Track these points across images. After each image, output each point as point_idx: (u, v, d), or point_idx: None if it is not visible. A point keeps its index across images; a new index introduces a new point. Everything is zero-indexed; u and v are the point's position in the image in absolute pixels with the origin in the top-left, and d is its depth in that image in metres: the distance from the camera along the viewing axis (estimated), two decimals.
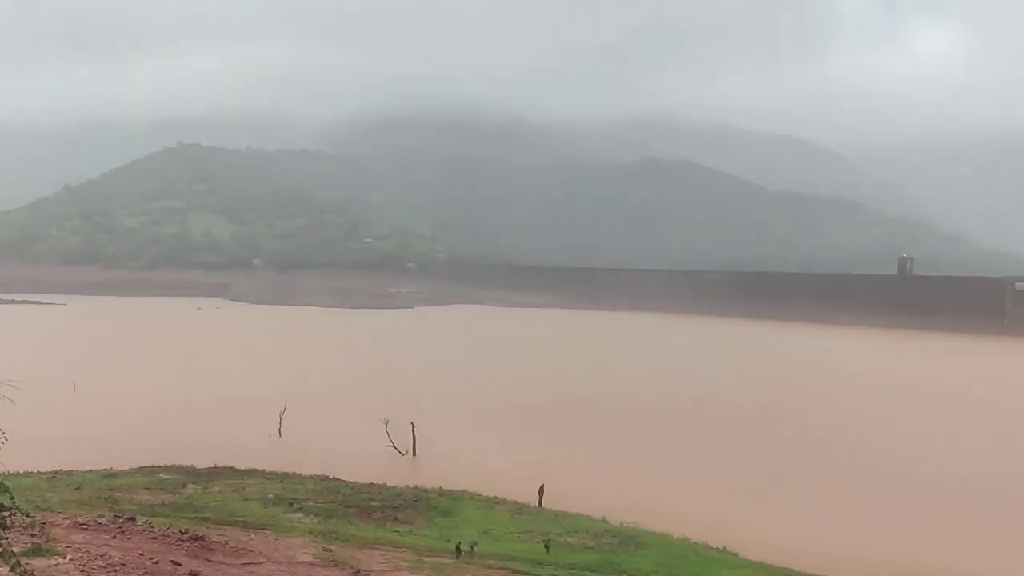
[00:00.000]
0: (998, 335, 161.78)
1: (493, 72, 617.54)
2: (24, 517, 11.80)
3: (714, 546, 32.71)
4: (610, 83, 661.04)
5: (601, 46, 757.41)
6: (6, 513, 11.18)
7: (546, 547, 29.32)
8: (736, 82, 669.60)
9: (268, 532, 26.96)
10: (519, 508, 36.68)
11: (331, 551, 24.26)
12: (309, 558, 22.68)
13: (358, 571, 21.65)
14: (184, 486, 36.78)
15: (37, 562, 14.98)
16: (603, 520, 35.43)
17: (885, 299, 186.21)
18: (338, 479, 39.86)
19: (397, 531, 31.32)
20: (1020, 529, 39.20)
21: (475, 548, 27.22)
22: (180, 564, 18.09)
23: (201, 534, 22.29)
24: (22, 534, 16.63)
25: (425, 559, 25.15)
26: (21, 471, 34.26)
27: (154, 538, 20.97)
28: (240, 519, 29.71)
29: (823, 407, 71.48)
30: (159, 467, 41.11)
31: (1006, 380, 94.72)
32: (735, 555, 32.08)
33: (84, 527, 20.97)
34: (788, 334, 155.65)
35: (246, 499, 34.74)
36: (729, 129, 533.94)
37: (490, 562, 26.00)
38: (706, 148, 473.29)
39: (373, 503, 35.62)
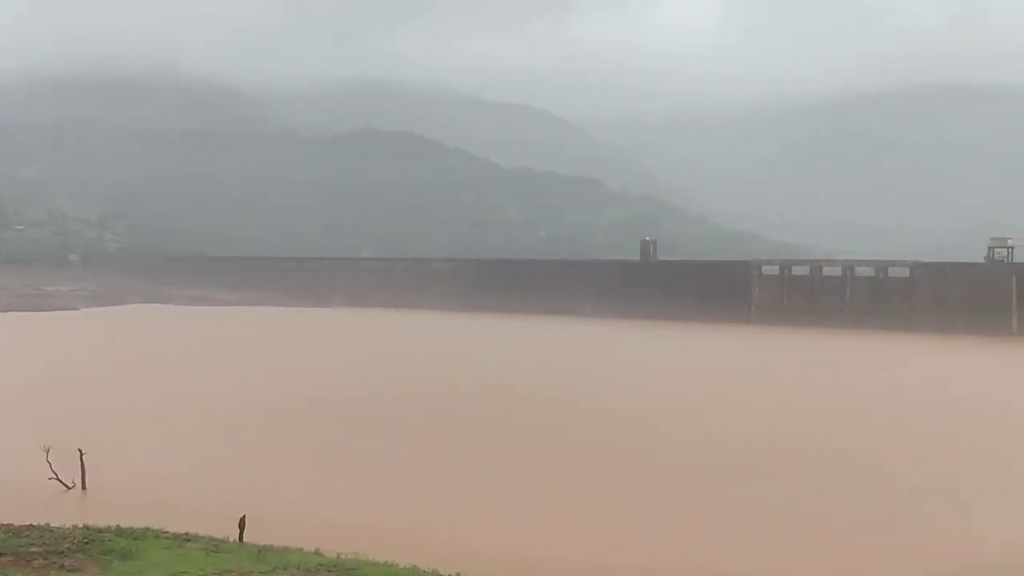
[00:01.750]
0: (744, 323, 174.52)
1: (194, 31, 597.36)
2: None
3: (444, 573, 33.18)
4: (332, 45, 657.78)
5: (327, 4, 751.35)
6: None
7: None
8: (473, 46, 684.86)
9: None
10: (216, 545, 35.62)
11: None
12: None
13: None
14: None
15: None
16: (317, 552, 35.09)
17: (628, 287, 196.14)
18: None
19: None
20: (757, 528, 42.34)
21: None
22: None
23: None
24: None
25: None
26: None
27: None
28: None
29: (556, 417, 74.16)
30: None
31: (750, 374, 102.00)
32: None
33: None
34: (526, 328, 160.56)
35: None
36: (460, 97, 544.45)
37: None
38: (433, 118, 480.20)
39: (33, 548, 33.43)
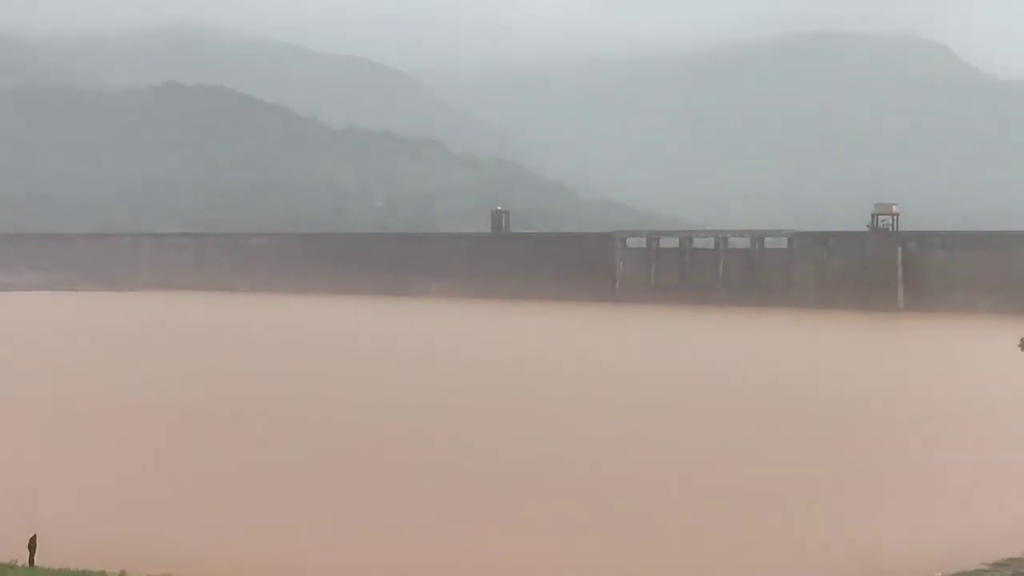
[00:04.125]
0: (608, 302, 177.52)
1: None
2: None
3: None
4: None
5: None
6: None
7: None
8: None
9: None
10: (2, 569, 34.76)
11: None
12: None
13: None
14: None
15: None
16: (123, 574, 34.57)
17: (478, 262, 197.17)
18: None
19: None
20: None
21: None
22: None
23: None
24: None
25: None
26: None
27: None
28: None
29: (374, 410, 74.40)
30: None
31: (616, 359, 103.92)
32: None
33: None
34: (358, 312, 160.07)
35: None
36: (280, 47, 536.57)
37: None
38: (248, 71, 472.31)
39: None
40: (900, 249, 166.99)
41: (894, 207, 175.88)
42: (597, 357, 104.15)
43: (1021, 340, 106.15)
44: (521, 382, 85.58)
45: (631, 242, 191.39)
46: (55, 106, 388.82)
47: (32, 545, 36.80)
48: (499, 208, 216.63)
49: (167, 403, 73.94)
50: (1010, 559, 37.87)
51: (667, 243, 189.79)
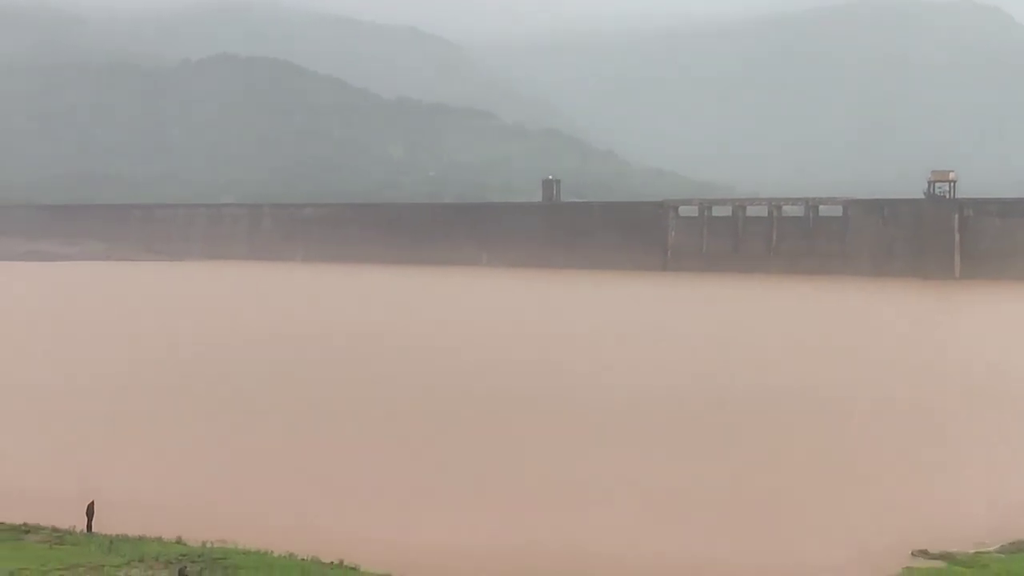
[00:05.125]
0: (660, 271, 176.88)
1: None
2: None
3: (326, 560, 33.25)
4: None
5: None
6: None
7: None
8: None
9: None
10: (59, 536, 35.15)
11: None
12: None
13: None
14: None
15: None
16: (179, 541, 34.83)
17: (529, 232, 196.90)
18: None
19: None
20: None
21: None
22: None
23: None
24: None
25: None
26: None
27: None
28: None
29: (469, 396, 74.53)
30: None
31: (667, 330, 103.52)
32: (355, 569, 32.81)
33: None
34: (412, 282, 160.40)
35: None
36: (333, 18, 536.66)
37: None
38: (301, 42, 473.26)
39: None
40: (957, 216, 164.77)
41: (951, 174, 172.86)
42: (648, 327, 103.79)
43: None
44: (570, 353, 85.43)
45: (683, 211, 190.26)
46: (111, 81, 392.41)
47: (90, 512, 37.20)
48: (550, 177, 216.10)
49: (221, 372, 74.58)
50: None
51: (719, 211, 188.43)
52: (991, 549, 35.90)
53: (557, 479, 46.14)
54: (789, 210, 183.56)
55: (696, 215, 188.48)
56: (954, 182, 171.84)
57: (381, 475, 47.37)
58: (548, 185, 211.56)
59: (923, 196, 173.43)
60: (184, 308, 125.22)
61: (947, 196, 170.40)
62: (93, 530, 36.43)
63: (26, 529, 35.72)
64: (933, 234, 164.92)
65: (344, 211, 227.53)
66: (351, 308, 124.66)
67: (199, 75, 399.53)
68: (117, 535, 35.31)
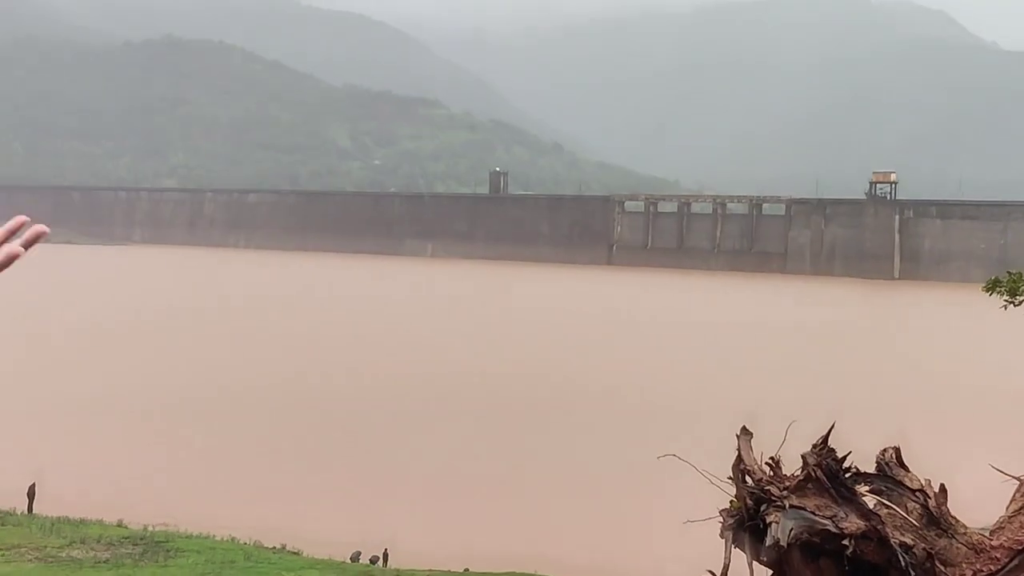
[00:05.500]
0: (605, 265, 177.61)
1: None
2: None
3: (269, 546, 33.65)
4: None
5: None
6: None
7: None
8: None
9: None
10: (2, 517, 35.32)
11: None
12: None
13: None
14: None
15: None
16: (120, 525, 35.09)
17: (476, 224, 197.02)
18: None
19: None
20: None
21: None
22: None
23: None
24: None
25: None
26: None
27: None
28: None
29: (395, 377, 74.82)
30: None
31: (608, 323, 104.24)
32: (296, 554, 33.25)
33: None
34: (349, 268, 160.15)
35: None
36: (279, 3, 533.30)
37: None
38: (247, 27, 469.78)
39: None
40: (897, 218, 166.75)
41: (892, 175, 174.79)
42: (590, 320, 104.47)
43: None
44: (513, 344, 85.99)
45: (629, 206, 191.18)
46: (55, 59, 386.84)
47: (31, 494, 37.35)
48: (497, 169, 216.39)
49: (163, 360, 74.46)
50: None
51: (665, 208, 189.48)
52: None
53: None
54: (734, 207, 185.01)
55: (642, 210, 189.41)
56: (895, 183, 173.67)
57: (310, 463, 47.78)
58: (495, 177, 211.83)
59: (865, 197, 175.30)
60: (123, 292, 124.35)
61: (888, 197, 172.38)
62: (35, 511, 36.60)
63: None
64: (873, 235, 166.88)
65: (288, 198, 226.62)
66: (290, 296, 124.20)
67: (142, 57, 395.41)
68: (59, 517, 35.52)
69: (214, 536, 34.28)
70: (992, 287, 12.24)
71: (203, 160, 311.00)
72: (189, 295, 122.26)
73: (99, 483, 42.45)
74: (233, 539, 34.11)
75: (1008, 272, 13.51)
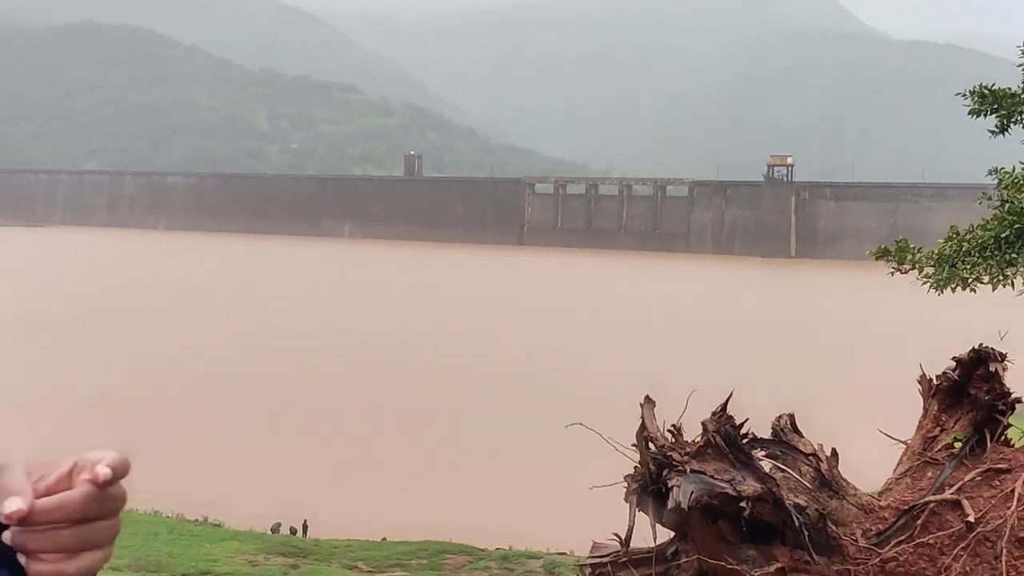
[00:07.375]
0: (516, 246, 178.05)
1: None
2: None
3: (191, 519, 33.39)
4: None
5: None
6: None
7: None
8: None
9: None
10: None
11: None
12: None
13: None
14: None
15: None
16: None
17: (392, 205, 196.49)
18: None
19: None
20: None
21: None
22: None
23: None
24: None
25: None
26: None
27: None
28: None
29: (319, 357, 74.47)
30: None
31: (521, 302, 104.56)
32: (218, 526, 33.04)
33: None
34: (267, 250, 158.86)
35: None
36: None
37: None
38: (165, 11, 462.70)
39: None
40: (793, 199, 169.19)
41: (789, 158, 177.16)
42: (501, 299, 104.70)
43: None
44: (425, 322, 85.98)
45: (539, 188, 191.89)
46: None
47: None
48: (412, 153, 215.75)
49: (84, 337, 73.42)
50: None
51: (574, 189, 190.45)
52: None
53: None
54: (639, 189, 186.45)
55: (552, 192, 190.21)
56: (791, 166, 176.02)
57: (230, 440, 47.47)
58: (410, 160, 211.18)
59: (763, 179, 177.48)
60: (44, 274, 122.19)
61: (785, 179, 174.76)
62: None
63: None
64: (771, 215, 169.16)
65: (207, 181, 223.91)
66: (210, 277, 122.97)
67: (63, 40, 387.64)
68: None
69: (137, 510, 33.87)
70: (881, 254, 12.51)
71: (123, 143, 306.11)
72: (113, 277, 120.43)
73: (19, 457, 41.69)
74: (156, 512, 33.80)
75: (895, 240, 13.76)
